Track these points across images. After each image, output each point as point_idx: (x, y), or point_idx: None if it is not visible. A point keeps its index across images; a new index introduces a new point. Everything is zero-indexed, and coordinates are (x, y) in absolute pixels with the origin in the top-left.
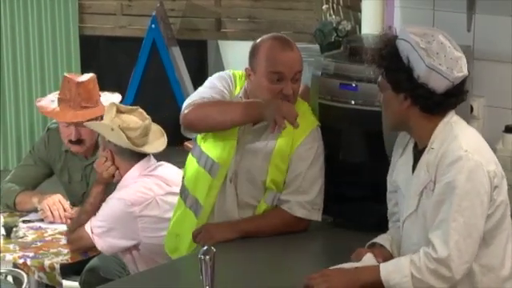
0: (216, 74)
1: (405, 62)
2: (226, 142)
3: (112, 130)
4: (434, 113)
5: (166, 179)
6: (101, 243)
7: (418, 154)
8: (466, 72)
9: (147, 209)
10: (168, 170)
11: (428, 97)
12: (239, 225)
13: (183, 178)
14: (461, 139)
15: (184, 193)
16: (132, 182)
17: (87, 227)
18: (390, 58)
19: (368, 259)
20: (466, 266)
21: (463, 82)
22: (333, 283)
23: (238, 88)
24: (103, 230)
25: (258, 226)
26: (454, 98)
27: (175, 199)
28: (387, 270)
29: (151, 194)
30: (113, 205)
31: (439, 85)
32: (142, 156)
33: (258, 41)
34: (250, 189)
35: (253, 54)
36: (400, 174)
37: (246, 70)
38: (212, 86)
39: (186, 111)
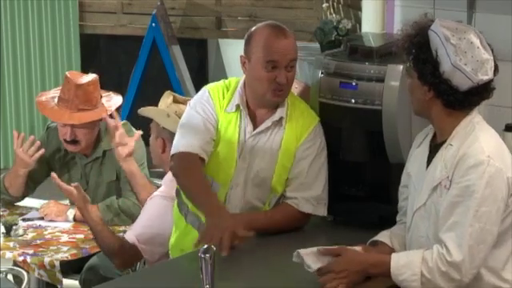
0: (195, 99)
1: (433, 55)
2: (225, 162)
3: (168, 116)
4: (456, 109)
5: None
6: (147, 251)
7: (434, 147)
8: (491, 75)
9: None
10: None
11: (450, 93)
12: (251, 219)
13: (178, 191)
14: (483, 142)
15: (183, 208)
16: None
17: (129, 237)
18: (419, 47)
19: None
20: (475, 271)
21: (489, 81)
22: (344, 280)
23: (223, 100)
24: (149, 236)
25: (264, 222)
26: (477, 96)
27: None
28: (398, 263)
29: None
30: (157, 205)
31: (462, 83)
32: None
33: (253, 29)
34: (257, 191)
35: (247, 41)
36: (414, 165)
37: (240, 57)
38: (193, 121)
39: (172, 163)
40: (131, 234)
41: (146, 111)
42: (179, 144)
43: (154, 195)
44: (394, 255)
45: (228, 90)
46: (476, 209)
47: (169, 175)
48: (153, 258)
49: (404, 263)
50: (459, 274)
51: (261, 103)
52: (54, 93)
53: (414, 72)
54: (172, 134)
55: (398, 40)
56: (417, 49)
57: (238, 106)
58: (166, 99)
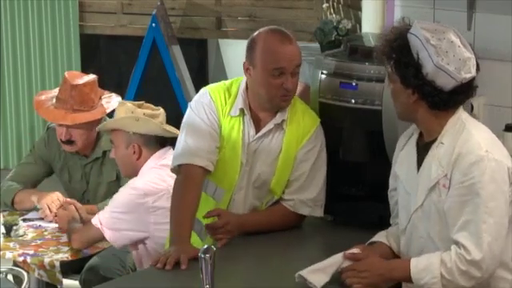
0: (196, 101)
1: (414, 57)
2: (230, 167)
3: (137, 120)
4: (442, 109)
5: None
6: (110, 234)
7: (423, 147)
8: (474, 73)
9: (160, 200)
10: None
11: (435, 94)
12: (245, 220)
13: None
14: (478, 138)
15: None
16: (147, 171)
17: (95, 220)
18: (400, 51)
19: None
20: (496, 266)
21: (472, 79)
22: (364, 280)
23: (225, 105)
24: (114, 221)
25: (261, 221)
26: (461, 95)
27: None
28: (417, 267)
29: (165, 185)
30: (125, 194)
31: (446, 83)
32: (162, 145)
33: (256, 34)
34: (258, 192)
35: (251, 48)
36: (402, 167)
37: (244, 64)
38: (198, 128)
39: (177, 177)
40: (96, 217)
41: (109, 124)
42: (185, 152)
43: (126, 185)
44: (412, 260)
45: (229, 93)
46: (485, 205)
47: (143, 168)
48: (117, 244)
49: (423, 267)
50: (480, 272)
51: (265, 107)
52: (55, 92)
53: (397, 76)
54: (145, 136)
55: (377, 46)
56: (397, 53)
57: (241, 110)
58: (123, 107)
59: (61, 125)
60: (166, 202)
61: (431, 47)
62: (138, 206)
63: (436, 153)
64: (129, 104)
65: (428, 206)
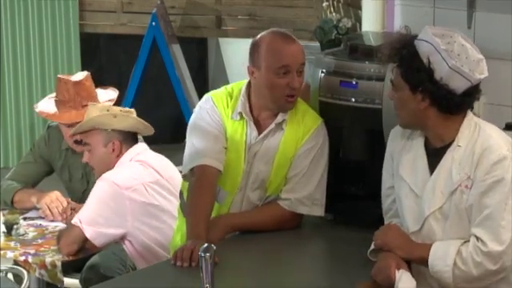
0: (200, 107)
1: (425, 63)
2: (233, 170)
3: (115, 116)
4: (454, 113)
5: (155, 167)
6: (90, 232)
7: (434, 152)
8: (486, 74)
9: (135, 193)
10: (156, 157)
11: (449, 97)
12: (232, 220)
13: (182, 193)
14: (497, 138)
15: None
16: (122, 164)
17: (74, 219)
18: (410, 58)
19: (406, 278)
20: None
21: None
22: (386, 239)
23: (227, 108)
24: (92, 217)
25: (251, 221)
26: (471, 97)
27: (163, 189)
28: (435, 255)
29: (139, 181)
30: (100, 186)
31: (460, 86)
32: (135, 140)
33: (258, 37)
34: (258, 192)
35: (254, 50)
36: (408, 170)
37: (248, 68)
38: (204, 131)
39: (192, 178)
40: (76, 216)
41: (86, 124)
42: (195, 155)
43: (101, 178)
44: (434, 246)
45: (231, 98)
46: (505, 202)
47: (119, 162)
48: (97, 242)
49: (440, 256)
50: (495, 265)
51: (268, 109)
52: (47, 100)
53: (405, 84)
54: (123, 133)
55: (383, 53)
56: (408, 61)
57: (240, 114)
58: (96, 107)
59: (71, 126)
60: (142, 197)
61: (443, 51)
62: (112, 196)
63: (454, 155)
64: (100, 104)
65: (447, 208)
